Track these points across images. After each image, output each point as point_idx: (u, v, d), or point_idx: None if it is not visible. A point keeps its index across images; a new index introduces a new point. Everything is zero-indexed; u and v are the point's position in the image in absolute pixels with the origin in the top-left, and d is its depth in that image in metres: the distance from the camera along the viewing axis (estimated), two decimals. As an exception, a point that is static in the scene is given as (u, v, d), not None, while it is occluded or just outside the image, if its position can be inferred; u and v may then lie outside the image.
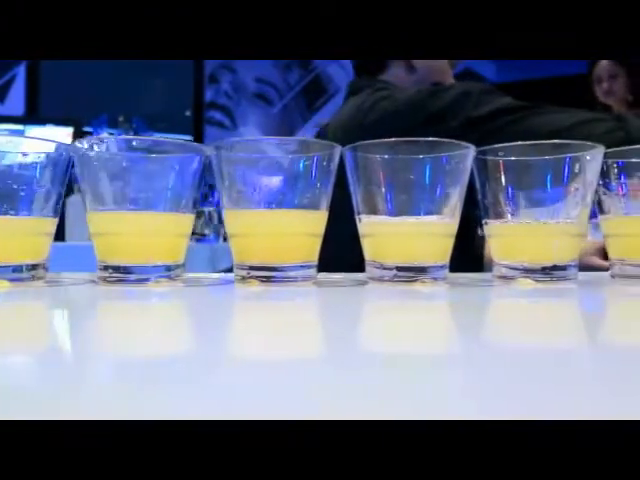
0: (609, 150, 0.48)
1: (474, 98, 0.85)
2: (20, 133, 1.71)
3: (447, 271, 0.46)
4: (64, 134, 1.77)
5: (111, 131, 2.17)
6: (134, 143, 0.43)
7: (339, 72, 2.83)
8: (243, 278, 0.45)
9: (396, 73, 1.00)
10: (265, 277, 0.44)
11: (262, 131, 3.03)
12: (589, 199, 0.47)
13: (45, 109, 2.47)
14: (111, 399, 0.15)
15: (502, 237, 0.48)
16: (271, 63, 2.99)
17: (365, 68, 1.03)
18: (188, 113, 2.92)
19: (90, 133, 2.11)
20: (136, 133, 2.17)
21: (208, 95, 3.04)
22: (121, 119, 2.21)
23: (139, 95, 2.68)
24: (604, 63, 1.60)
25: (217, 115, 3.07)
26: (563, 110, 0.81)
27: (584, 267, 0.90)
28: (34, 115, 2.43)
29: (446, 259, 0.46)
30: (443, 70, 1.01)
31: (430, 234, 0.46)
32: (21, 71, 2.50)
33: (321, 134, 1.03)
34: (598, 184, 0.49)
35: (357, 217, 0.48)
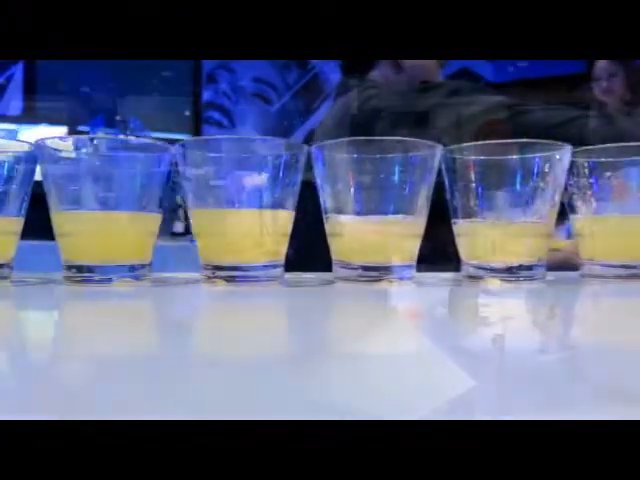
0: (578, 149, 0.47)
1: (464, 97, 0.85)
2: (14, 133, 1.72)
3: (414, 270, 0.46)
4: (58, 134, 1.78)
5: (108, 131, 2.18)
6: (96, 142, 0.43)
7: (336, 71, 2.82)
8: (209, 278, 0.45)
9: (384, 72, 1.00)
10: (230, 277, 0.44)
11: (260, 131, 3.03)
12: (557, 199, 0.46)
13: (43, 109, 2.47)
14: (73, 398, 0.14)
15: (470, 237, 0.47)
16: (269, 63, 2.99)
17: (353, 68, 1.03)
18: (187, 113, 2.92)
19: (87, 132, 2.12)
20: (133, 133, 2.18)
21: (206, 95, 3.04)
22: (118, 119, 2.22)
23: (137, 95, 2.68)
24: (603, 62, 1.59)
25: (216, 115, 3.07)
26: (553, 108, 0.81)
27: (572, 267, 0.90)
28: (31, 115, 2.43)
29: (413, 259, 0.46)
30: (431, 69, 1.01)
31: (396, 233, 0.45)
32: (19, 70, 2.50)
33: (313, 134, 1.03)
34: (569, 184, 0.49)
35: (324, 216, 0.47)
